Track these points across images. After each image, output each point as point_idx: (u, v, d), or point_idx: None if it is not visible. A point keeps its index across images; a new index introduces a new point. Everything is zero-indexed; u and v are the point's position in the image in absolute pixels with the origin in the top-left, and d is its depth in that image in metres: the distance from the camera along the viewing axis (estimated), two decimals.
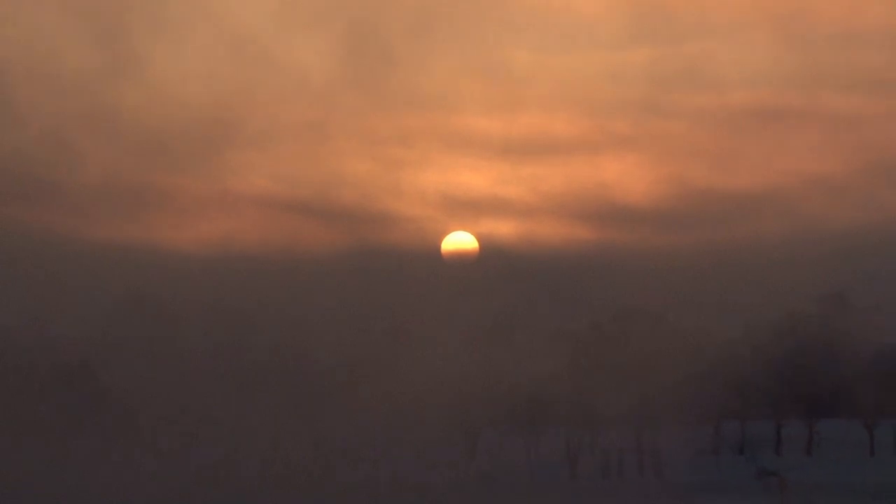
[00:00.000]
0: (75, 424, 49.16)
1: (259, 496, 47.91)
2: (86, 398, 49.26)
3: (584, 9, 57.73)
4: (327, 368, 49.49)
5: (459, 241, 57.10)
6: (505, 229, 56.99)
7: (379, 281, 51.52)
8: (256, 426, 47.27)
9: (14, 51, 46.22)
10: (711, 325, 55.23)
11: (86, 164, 48.94)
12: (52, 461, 48.43)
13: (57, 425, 49.37)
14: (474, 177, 54.41)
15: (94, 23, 47.09)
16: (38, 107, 47.18)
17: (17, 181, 49.02)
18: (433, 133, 52.30)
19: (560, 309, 51.65)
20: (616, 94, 55.05)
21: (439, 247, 57.00)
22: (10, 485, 47.52)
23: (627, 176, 54.46)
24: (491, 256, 55.24)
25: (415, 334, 52.77)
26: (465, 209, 55.04)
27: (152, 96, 47.37)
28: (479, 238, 56.69)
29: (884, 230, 58.39)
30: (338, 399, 47.47)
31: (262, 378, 47.64)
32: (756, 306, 58.40)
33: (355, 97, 48.46)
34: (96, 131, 47.61)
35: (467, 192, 54.27)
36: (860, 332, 70.95)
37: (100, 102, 47.62)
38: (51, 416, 48.12)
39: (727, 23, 55.23)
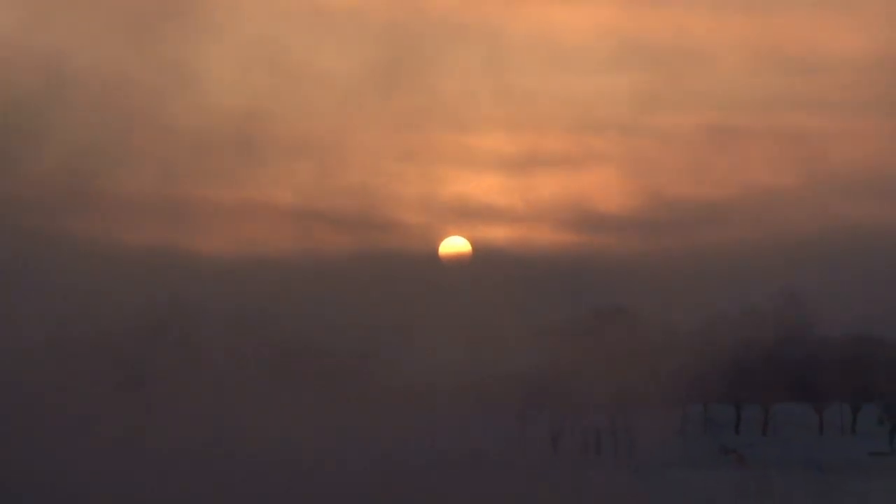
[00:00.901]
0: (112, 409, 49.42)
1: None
2: (125, 385, 49.66)
3: (572, 40, 58.65)
4: (340, 357, 49.98)
5: (455, 244, 57.73)
6: (496, 234, 57.79)
7: (384, 280, 52.05)
8: (278, 407, 47.52)
9: (55, 70, 46.47)
10: (679, 320, 56.03)
11: (125, 176, 49.62)
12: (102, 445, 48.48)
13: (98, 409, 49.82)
14: (469, 188, 55.19)
15: (134, 41, 47.57)
16: (80, 123, 47.53)
17: (62, 194, 49.35)
18: (434, 149, 53.16)
19: (545, 305, 52.45)
20: (598, 115, 55.98)
21: (437, 250, 57.70)
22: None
23: (607, 187, 55.21)
24: (483, 258, 55.86)
25: (415, 327, 53.37)
26: (460, 216, 55.80)
27: (188, 114, 48.20)
28: (473, 242, 57.29)
29: (832, 235, 59.10)
30: (350, 385, 47.94)
31: (281, 365, 48.10)
32: (718, 302, 59.38)
33: (365, 118, 49.45)
34: (135, 145, 48.37)
35: (463, 202, 55.03)
36: (809, 325, 72.03)
37: (139, 117, 48.28)
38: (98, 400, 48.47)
39: (699, 50, 56.30)
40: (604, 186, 57.56)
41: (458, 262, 59.14)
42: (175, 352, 47.06)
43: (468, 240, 58.88)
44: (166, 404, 45.35)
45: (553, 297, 52.12)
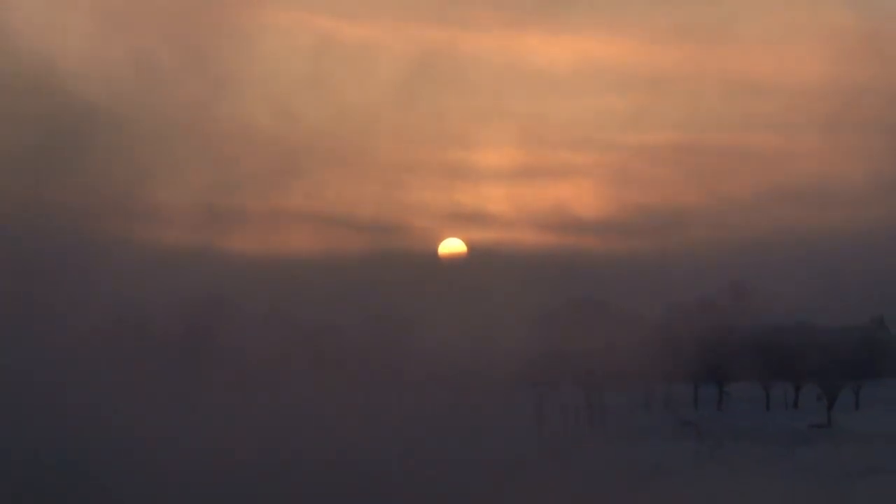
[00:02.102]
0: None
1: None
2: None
3: (555, 68, 58.49)
4: (354, 346, 49.57)
5: (453, 245, 57.42)
6: (488, 236, 57.52)
7: (392, 275, 51.81)
8: (306, 387, 46.98)
9: (112, 89, 45.69)
10: (644, 310, 56.14)
11: (168, 185, 48.96)
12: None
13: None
14: (465, 196, 54.86)
15: (182, 66, 46.93)
16: (131, 138, 46.82)
17: (109, 201, 48.56)
18: (435, 163, 53.06)
19: (531, 298, 52.29)
20: (577, 134, 55.96)
21: (437, 250, 57.36)
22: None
23: (585, 196, 54.93)
24: (477, 258, 55.50)
25: (418, 316, 53.08)
26: (457, 221, 55.55)
27: (226, 132, 47.74)
28: (468, 243, 56.99)
29: (779, 237, 58.95)
30: (365, 372, 47.71)
31: (305, 351, 47.79)
32: (677, 295, 59.52)
33: (377, 137, 49.18)
34: (179, 158, 47.77)
35: (460, 208, 54.74)
36: (757, 314, 72.08)
37: (183, 134, 47.72)
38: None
39: (664, 77, 56.12)
40: (583, 195, 57.52)
41: (455, 260, 58.73)
42: (212, 340, 46.59)
43: (464, 241, 58.61)
44: (205, 386, 44.80)
45: (538, 290, 51.95)
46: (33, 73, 46.09)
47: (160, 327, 45.92)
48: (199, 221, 51.00)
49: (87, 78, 46.99)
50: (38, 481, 38.48)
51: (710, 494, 44.65)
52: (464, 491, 42.06)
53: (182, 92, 50.18)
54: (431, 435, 44.92)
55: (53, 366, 42.77)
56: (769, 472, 53.09)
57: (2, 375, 42.01)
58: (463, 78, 53.91)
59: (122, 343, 44.61)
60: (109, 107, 46.89)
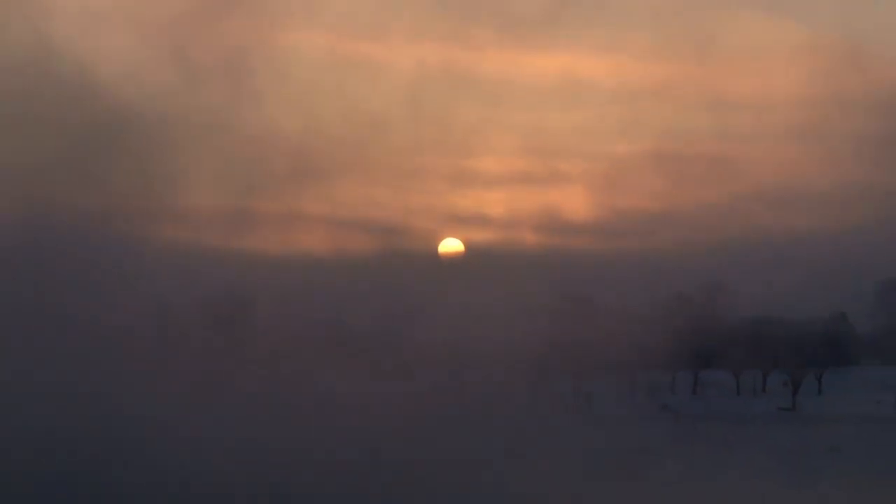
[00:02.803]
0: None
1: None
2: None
3: (545, 84, 58.47)
4: (365, 337, 49.31)
5: (451, 245, 57.23)
6: (484, 237, 57.40)
7: (397, 272, 51.78)
8: (322, 373, 46.46)
9: (154, 106, 45.09)
10: (627, 304, 56.12)
11: (200, 190, 48.33)
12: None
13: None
14: (464, 200, 54.86)
15: (213, 83, 46.40)
16: (164, 147, 46.19)
17: (149, 206, 47.93)
18: (435, 171, 52.96)
19: (523, 294, 52.25)
20: (565, 144, 56.00)
21: (437, 249, 57.15)
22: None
23: (571, 201, 54.87)
24: (474, 256, 55.43)
25: (419, 311, 52.86)
26: (456, 223, 55.48)
27: (249, 137, 47.29)
28: (466, 243, 56.83)
29: (749, 238, 58.96)
30: (373, 358, 47.68)
31: (320, 341, 47.50)
32: (658, 290, 59.52)
33: (384, 147, 48.96)
34: (208, 163, 47.18)
35: (458, 211, 54.73)
36: (729, 308, 72.19)
37: (210, 145, 47.12)
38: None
39: (643, 92, 56.24)
40: (572, 200, 57.57)
41: (453, 259, 58.43)
42: (237, 331, 46.45)
43: (462, 241, 58.44)
44: (233, 375, 44.40)
45: (529, 286, 51.58)
46: (73, 83, 45.51)
47: (187, 321, 45.49)
48: (223, 223, 48.94)
49: (122, 89, 46.52)
50: (78, 472, 37.80)
51: (688, 470, 44.30)
52: (462, 463, 41.87)
53: (209, 103, 47.78)
54: (435, 413, 44.83)
55: (87, 357, 42.13)
56: (740, 451, 52.84)
57: (39, 366, 41.38)
58: (463, 92, 53.57)
59: (152, 335, 44.16)
60: (142, 116, 46.49)
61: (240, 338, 46.02)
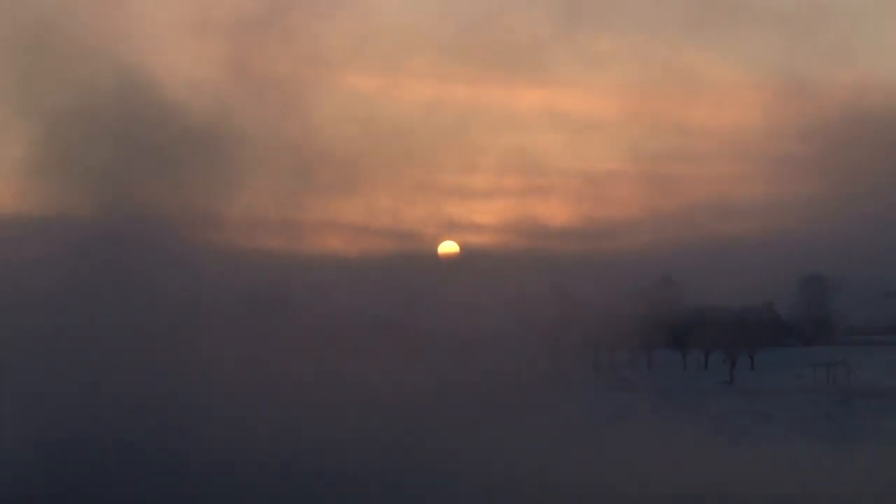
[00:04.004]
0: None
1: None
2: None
3: (531, 113, 58.77)
4: (374, 329, 48.78)
5: (449, 247, 56.53)
6: (477, 240, 57.66)
7: (401, 270, 51.95)
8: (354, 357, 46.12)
9: (213, 119, 46.69)
10: (595, 296, 56.86)
11: (240, 198, 48.02)
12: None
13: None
14: (460, 210, 55.12)
15: (265, 100, 46.93)
16: (213, 158, 45.96)
17: (190, 213, 47.61)
18: (439, 186, 53.26)
19: (507, 287, 51.71)
20: (544, 163, 56.33)
21: (436, 250, 56.45)
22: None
23: (551, 210, 55.55)
24: (468, 257, 56.30)
25: (422, 302, 51.48)
26: (453, 228, 55.74)
27: (284, 157, 47.36)
28: (461, 245, 56.66)
29: (697, 241, 59.23)
30: (387, 343, 47.25)
31: (344, 332, 46.62)
32: (623, 285, 58.80)
33: (392, 164, 49.24)
34: (256, 177, 47.02)
35: (455, 219, 55.02)
36: (678, 299, 72.76)
37: (262, 156, 46.89)
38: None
39: (614, 120, 56.79)
40: (549, 209, 58.17)
41: (451, 258, 56.62)
42: (275, 322, 46.44)
43: (458, 244, 56.57)
44: (275, 359, 44.29)
45: (514, 281, 51.94)
46: (150, 105, 45.24)
47: (235, 314, 44.97)
48: (267, 228, 49.13)
49: (187, 110, 46.29)
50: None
51: (642, 434, 44.76)
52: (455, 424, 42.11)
53: (260, 124, 47.75)
54: (436, 392, 45.42)
55: (146, 345, 41.60)
56: (686, 417, 53.91)
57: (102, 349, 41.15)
58: (458, 120, 51.85)
59: (203, 326, 43.46)
60: (204, 132, 46.08)
61: (280, 329, 45.85)
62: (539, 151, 55.59)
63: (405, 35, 52.88)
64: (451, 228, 55.76)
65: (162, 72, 46.73)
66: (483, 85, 56.98)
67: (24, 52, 44.72)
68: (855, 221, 60.69)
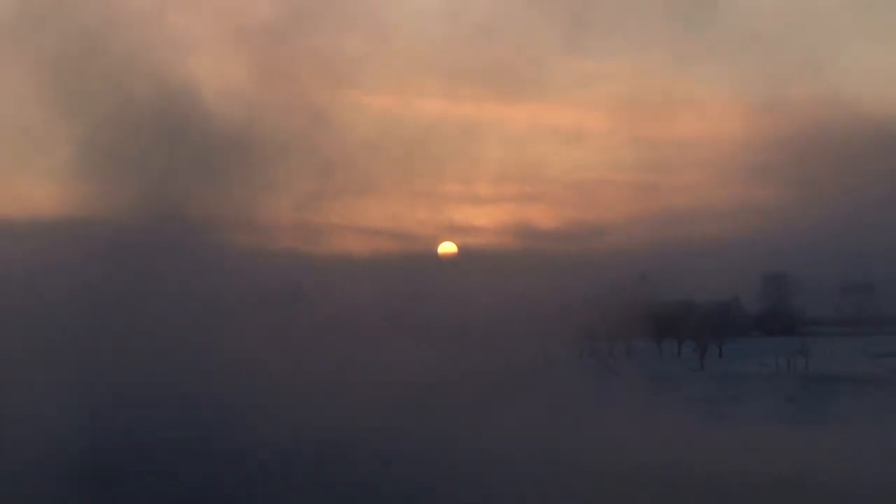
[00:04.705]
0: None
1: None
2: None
3: (520, 127, 59.05)
4: (380, 323, 48.54)
5: (448, 247, 56.96)
6: (474, 241, 57.94)
7: (405, 269, 52.38)
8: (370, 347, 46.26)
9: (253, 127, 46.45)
10: (583, 291, 56.26)
11: (264, 203, 48.53)
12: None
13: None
14: (458, 214, 55.36)
15: (298, 117, 47.66)
16: (244, 166, 46.03)
17: (232, 217, 46.57)
18: (439, 193, 53.46)
19: (501, 284, 51.60)
20: (534, 173, 56.68)
21: (437, 250, 56.90)
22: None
23: (542, 215, 56.24)
24: (465, 256, 56.94)
25: (422, 297, 51.45)
26: (451, 231, 55.99)
27: (310, 160, 47.26)
28: (459, 246, 57.22)
29: (670, 242, 59.75)
30: (393, 339, 47.64)
31: (358, 325, 47.14)
32: (606, 282, 58.77)
33: (398, 173, 49.40)
34: (269, 180, 47.25)
35: (454, 222, 55.26)
36: (654, 294, 72.87)
37: (275, 158, 47.56)
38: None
39: (593, 133, 57.29)
40: (541, 214, 58.27)
41: (449, 258, 56.88)
42: (297, 317, 46.66)
43: (456, 244, 56.84)
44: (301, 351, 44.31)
45: (507, 279, 52.41)
46: (172, 103, 44.53)
47: (260, 310, 44.95)
48: (289, 231, 49.37)
49: (221, 121, 46.16)
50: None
51: (622, 414, 45.35)
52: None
53: (277, 131, 47.34)
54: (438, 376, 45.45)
55: (180, 340, 41.25)
56: (661, 400, 54.31)
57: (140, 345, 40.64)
58: (460, 134, 51.96)
59: (231, 323, 43.06)
60: (233, 140, 45.79)
61: (302, 322, 46.13)
62: (532, 162, 56.30)
63: (413, 58, 53.28)
64: (450, 230, 56.06)
65: (195, 82, 46.54)
66: (482, 102, 56.91)
67: (70, 61, 44.18)
68: (813, 225, 61.38)
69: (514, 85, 54.04)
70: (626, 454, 37.81)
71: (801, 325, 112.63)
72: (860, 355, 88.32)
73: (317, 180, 48.58)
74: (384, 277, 51.86)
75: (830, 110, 59.72)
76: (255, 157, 47.06)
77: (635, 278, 66.08)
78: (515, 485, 34.38)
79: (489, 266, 54.24)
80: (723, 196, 61.45)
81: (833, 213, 61.28)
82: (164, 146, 45.16)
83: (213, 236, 46.61)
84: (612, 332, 66.29)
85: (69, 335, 41.47)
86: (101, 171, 44.62)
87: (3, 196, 48.09)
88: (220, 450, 36.83)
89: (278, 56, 47.31)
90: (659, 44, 56.79)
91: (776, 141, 61.09)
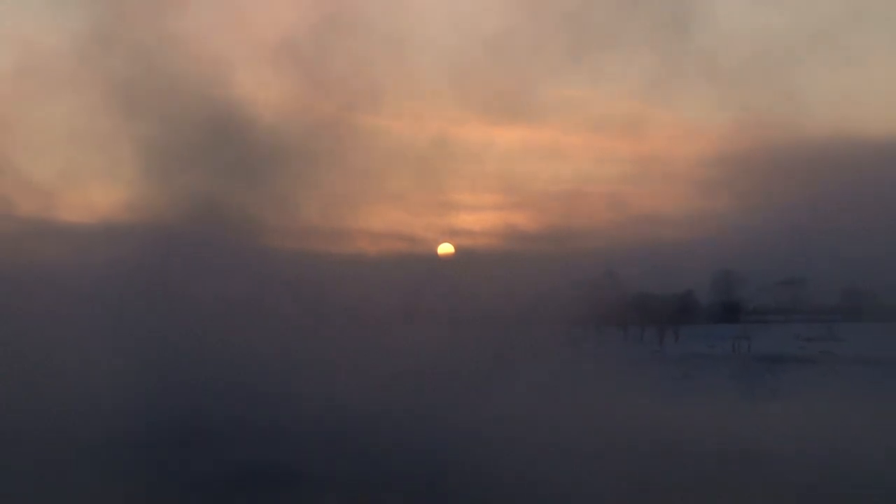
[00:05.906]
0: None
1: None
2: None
3: (511, 147, 59.33)
4: (384, 320, 48.97)
5: (447, 248, 56.95)
6: (469, 243, 58.00)
7: (407, 268, 52.80)
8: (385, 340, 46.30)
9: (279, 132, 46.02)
10: (560, 285, 56.51)
11: (281, 207, 47.28)
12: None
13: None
14: (456, 220, 55.39)
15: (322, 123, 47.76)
16: (273, 169, 45.94)
17: (240, 219, 46.16)
18: (439, 201, 53.30)
19: (493, 281, 52.27)
20: (520, 185, 56.94)
21: (436, 251, 56.86)
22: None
23: (526, 220, 56.50)
24: (462, 257, 56.86)
25: (423, 295, 53.11)
26: (450, 233, 56.02)
27: (329, 173, 47.87)
28: (456, 247, 57.31)
29: (634, 244, 59.72)
30: (392, 335, 47.38)
31: (369, 320, 47.66)
32: (579, 277, 59.65)
33: (403, 184, 49.44)
34: (300, 191, 47.17)
35: (452, 226, 55.36)
36: (621, 289, 72.92)
37: (300, 170, 46.87)
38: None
39: (572, 152, 57.96)
40: (524, 220, 57.49)
41: (448, 258, 56.77)
42: (316, 314, 46.71)
43: (454, 246, 56.84)
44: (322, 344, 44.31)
45: (497, 276, 52.91)
46: (213, 113, 44.15)
47: (288, 307, 44.89)
48: (310, 234, 49.69)
49: (253, 130, 45.91)
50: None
51: (593, 389, 46.46)
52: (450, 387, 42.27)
53: (302, 146, 47.17)
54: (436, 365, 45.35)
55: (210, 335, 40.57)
56: (627, 378, 54.88)
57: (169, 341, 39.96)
58: (454, 152, 52.39)
59: (253, 320, 42.61)
60: (262, 150, 45.58)
61: (323, 318, 46.59)
62: (519, 175, 57.77)
63: (423, 89, 54.26)
64: (448, 233, 56.92)
65: (235, 99, 46.39)
66: (475, 124, 57.41)
67: (125, 78, 44.01)
68: (756, 229, 61.37)
69: (503, 109, 55.01)
70: (601, 422, 38.79)
71: (745, 314, 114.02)
72: (794, 339, 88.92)
73: (339, 191, 49.35)
74: (391, 274, 52.24)
75: (775, 132, 60.26)
76: (290, 169, 47.16)
77: (605, 274, 66.49)
78: (508, 444, 34.99)
79: (482, 264, 55.01)
80: (680, 205, 62.46)
81: (773, 219, 61.84)
82: (211, 159, 45.17)
83: (253, 239, 46.73)
84: (586, 320, 66.59)
85: (138, 328, 41.19)
86: (157, 179, 44.77)
87: (74, 202, 47.83)
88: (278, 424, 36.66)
89: (312, 83, 47.98)
90: (627, 74, 58.35)
91: (726, 158, 61.97)
